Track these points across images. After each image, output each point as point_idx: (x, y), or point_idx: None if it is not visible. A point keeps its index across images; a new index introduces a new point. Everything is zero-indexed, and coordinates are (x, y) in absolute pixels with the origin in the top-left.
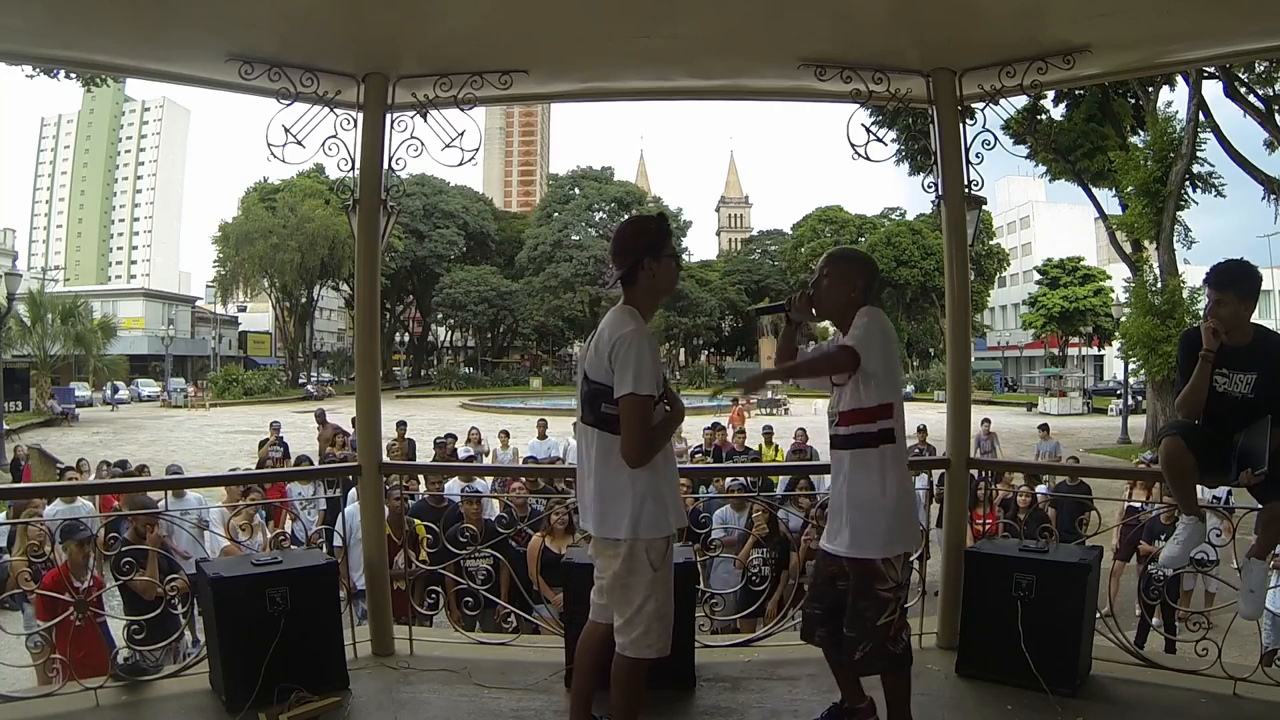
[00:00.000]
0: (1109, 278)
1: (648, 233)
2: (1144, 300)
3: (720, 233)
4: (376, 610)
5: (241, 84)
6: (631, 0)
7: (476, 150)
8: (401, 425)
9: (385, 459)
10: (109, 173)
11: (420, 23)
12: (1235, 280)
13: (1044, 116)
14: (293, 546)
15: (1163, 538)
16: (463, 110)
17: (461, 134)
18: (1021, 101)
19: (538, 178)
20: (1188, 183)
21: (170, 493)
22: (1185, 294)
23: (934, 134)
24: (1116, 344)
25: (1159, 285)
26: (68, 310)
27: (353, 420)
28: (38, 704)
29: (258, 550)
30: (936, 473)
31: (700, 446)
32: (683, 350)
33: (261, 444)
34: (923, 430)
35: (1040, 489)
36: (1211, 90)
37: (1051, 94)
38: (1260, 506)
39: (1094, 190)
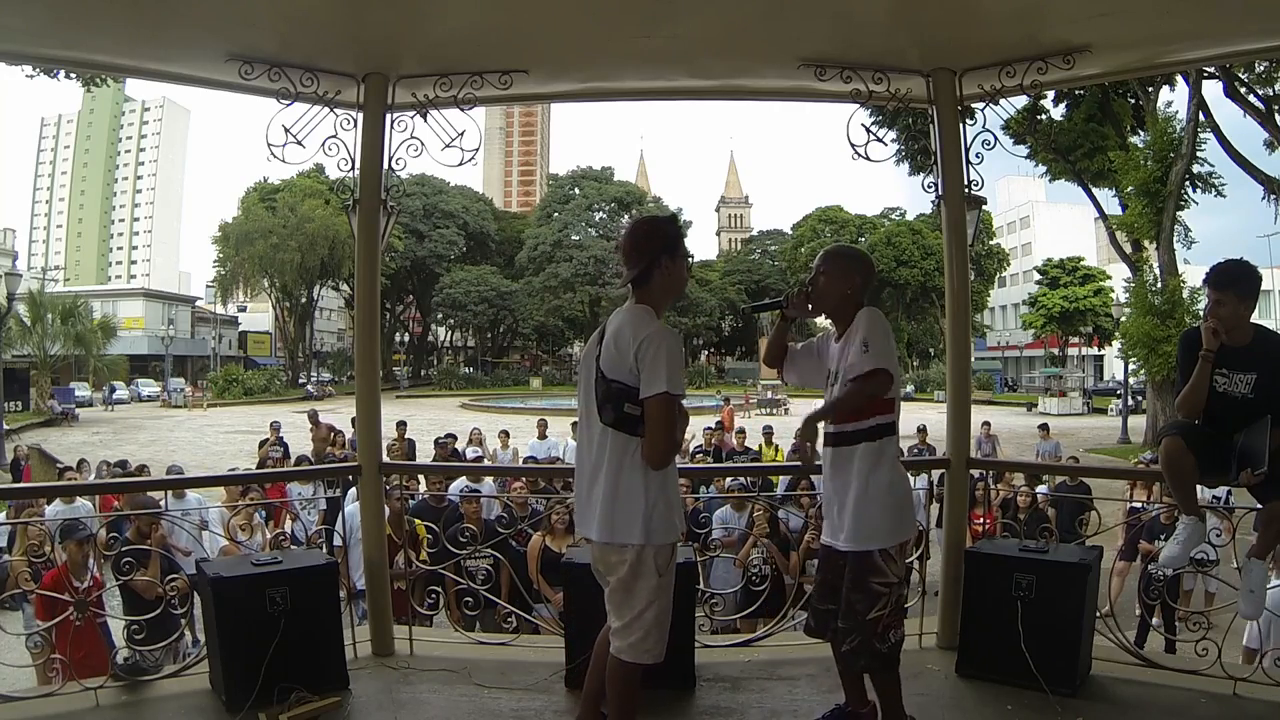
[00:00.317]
0: (1109, 278)
1: (665, 233)
2: (1144, 300)
3: (720, 233)
4: (376, 610)
5: (241, 84)
6: (631, 0)
7: (476, 150)
8: (401, 425)
9: (385, 459)
10: (109, 173)
11: (420, 23)
12: (1235, 280)
13: (1044, 116)
14: (293, 546)
15: (1162, 537)
16: (463, 110)
17: (461, 134)
18: (1021, 101)
19: (538, 178)
20: (1188, 183)
21: (170, 493)
22: (1185, 294)
23: (934, 134)
24: (1116, 344)
25: (1159, 285)
26: (68, 310)
27: (353, 420)
28: (38, 704)
29: (257, 550)
30: (936, 473)
31: (700, 446)
32: (683, 349)
33: (261, 444)
34: (923, 430)
35: (1040, 489)
36: (1211, 90)
37: (1051, 94)
38: (1260, 506)
39: (1094, 190)
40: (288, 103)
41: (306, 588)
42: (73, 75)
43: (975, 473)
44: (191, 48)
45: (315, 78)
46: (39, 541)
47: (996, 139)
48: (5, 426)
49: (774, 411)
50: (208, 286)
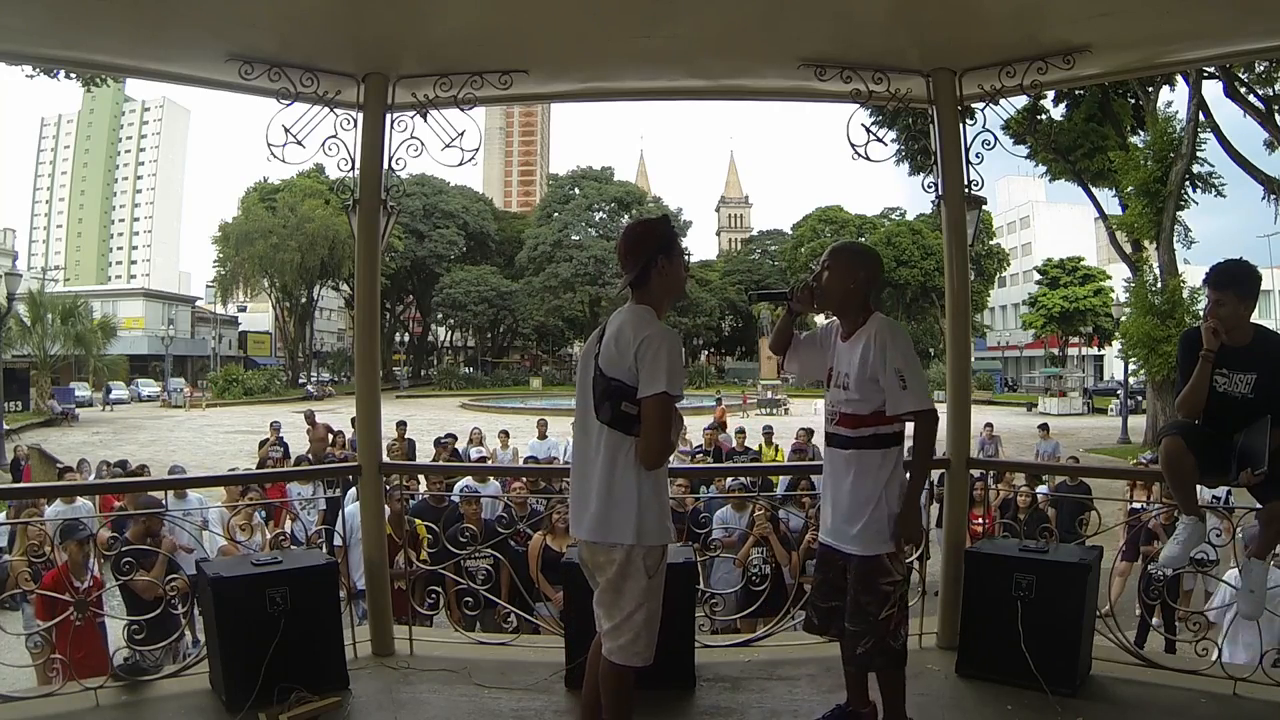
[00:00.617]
0: (1109, 278)
1: (659, 232)
2: (1144, 300)
3: (720, 233)
4: (376, 610)
5: (241, 84)
6: (631, 0)
7: (476, 150)
8: (401, 425)
9: (385, 459)
10: (109, 173)
11: (420, 23)
12: (1234, 280)
13: (1044, 116)
14: (293, 546)
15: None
16: (463, 110)
17: (461, 134)
18: (1021, 101)
19: (538, 178)
20: (1188, 183)
21: (172, 493)
22: (1185, 294)
23: (934, 134)
24: (1116, 344)
25: (1159, 285)
26: (68, 310)
27: (353, 420)
28: (38, 704)
29: (257, 550)
30: (936, 473)
31: (700, 446)
32: (682, 350)
33: (261, 444)
34: None
35: (1040, 489)
36: (1211, 90)
37: (1051, 94)
38: (1260, 506)
39: (1094, 190)
40: (288, 103)
41: (306, 588)
42: (73, 75)
43: (975, 473)
44: (192, 48)
45: (315, 78)
46: (39, 541)
47: (996, 139)
48: (5, 426)
49: (774, 411)
50: (208, 286)
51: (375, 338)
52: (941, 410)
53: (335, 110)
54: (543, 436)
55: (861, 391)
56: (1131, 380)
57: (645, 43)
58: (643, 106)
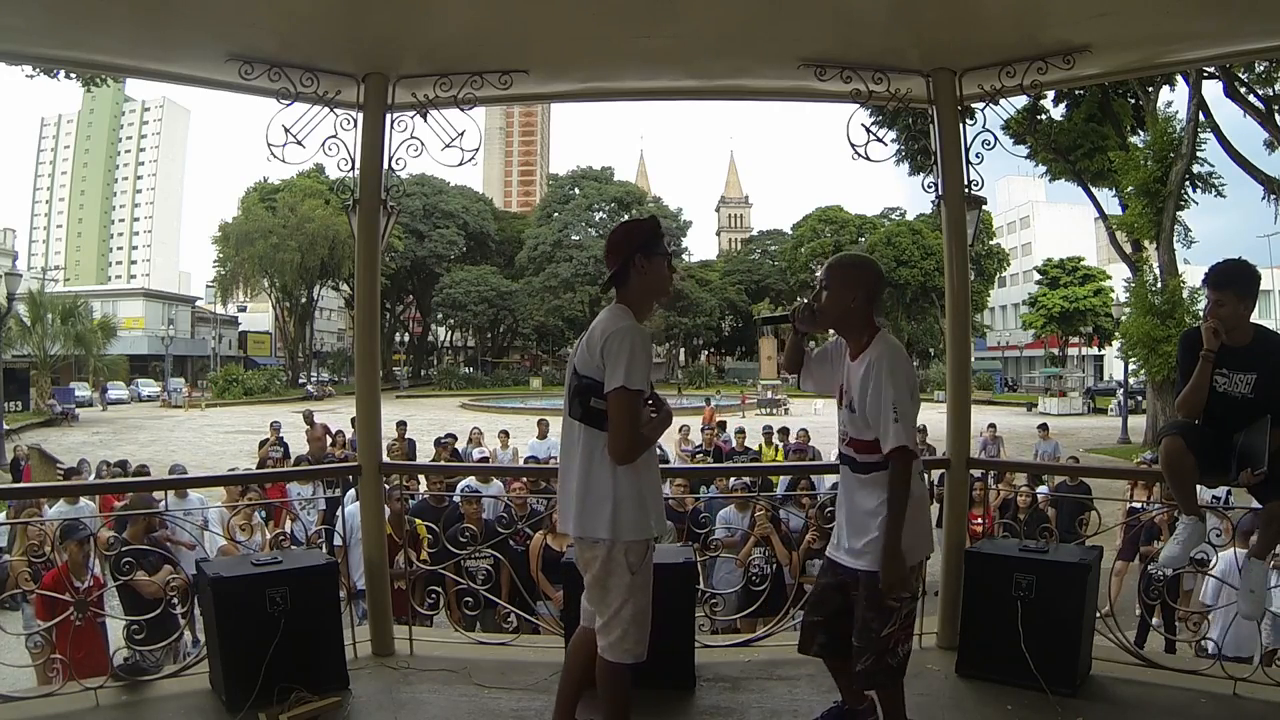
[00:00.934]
0: (1109, 278)
1: (640, 232)
2: (1144, 300)
3: (720, 233)
4: (376, 610)
5: (241, 84)
6: (631, 0)
7: (476, 150)
8: (402, 425)
9: (385, 459)
10: (109, 173)
11: (420, 23)
12: (1233, 280)
13: (1044, 116)
14: (293, 546)
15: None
16: (463, 110)
17: (461, 134)
18: (1021, 101)
19: (538, 178)
20: (1188, 183)
21: (173, 493)
22: (1185, 294)
23: (934, 134)
24: (1116, 344)
25: (1159, 285)
26: (68, 310)
27: (353, 420)
28: (38, 704)
29: (257, 550)
30: (936, 473)
31: (700, 446)
32: (683, 350)
33: (261, 444)
34: (923, 430)
35: (1040, 489)
36: (1211, 90)
37: (1051, 94)
38: (1260, 506)
39: (1094, 190)
40: (288, 103)
41: (306, 588)
42: (73, 75)
43: (975, 473)
44: (192, 48)
45: (315, 78)
46: (39, 541)
47: (996, 139)
48: (5, 426)
49: (774, 411)
50: (208, 286)
51: (375, 338)
52: (941, 410)
53: (335, 110)
54: (543, 436)
55: (866, 419)
56: (1131, 380)
57: (645, 43)
58: (643, 106)
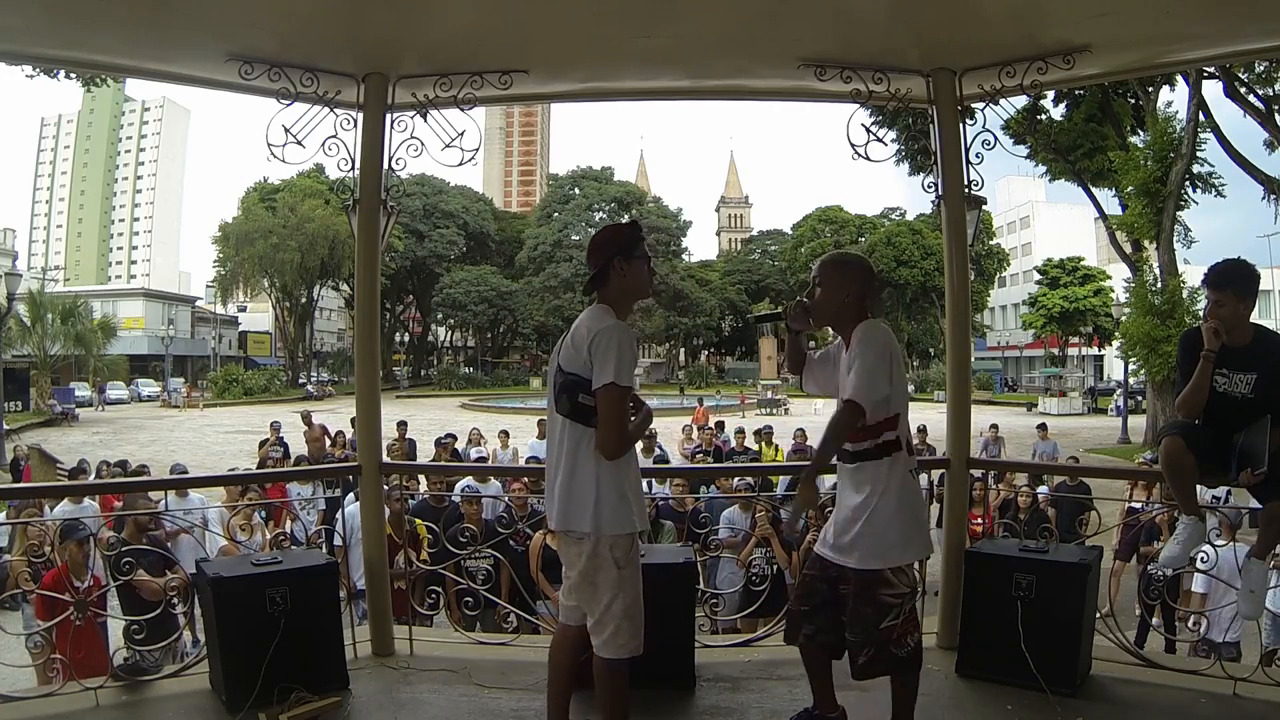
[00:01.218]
0: (1109, 278)
1: (620, 235)
2: (1144, 300)
3: (720, 233)
4: (376, 610)
5: (241, 84)
6: (631, 0)
7: (476, 150)
8: (402, 425)
9: (385, 459)
10: (109, 173)
11: (420, 23)
12: (1233, 280)
13: (1044, 116)
14: (293, 546)
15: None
16: (463, 110)
17: (461, 134)
18: (1021, 101)
19: (538, 178)
20: (1188, 183)
21: (173, 493)
22: (1185, 294)
23: (934, 134)
24: (1116, 344)
25: (1159, 285)
26: (68, 310)
27: (353, 420)
28: (38, 704)
29: (257, 550)
30: (936, 473)
31: (700, 446)
32: (683, 350)
33: (261, 444)
34: (923, 430)
35: (1040, 489)
36: (1211, 90)
37: (1051, 94)
38: (1260, 506)
39: (1094, 190)
40: (288, 103)
41: (306, 588)
42: (73, 75)
43: (975, 473)
44: (192, 48)
45: (315, 78)
46: (39, 541)
47: (996, 139)
48: (5, 426)
49: (774, 411)
50: (208, 286)
51: (375, 338)
52: (941, 410)
53: (335, 110)
54: (543, 436)
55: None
56: (1131, 380)
57: (645, 43)
58: (643, 106)
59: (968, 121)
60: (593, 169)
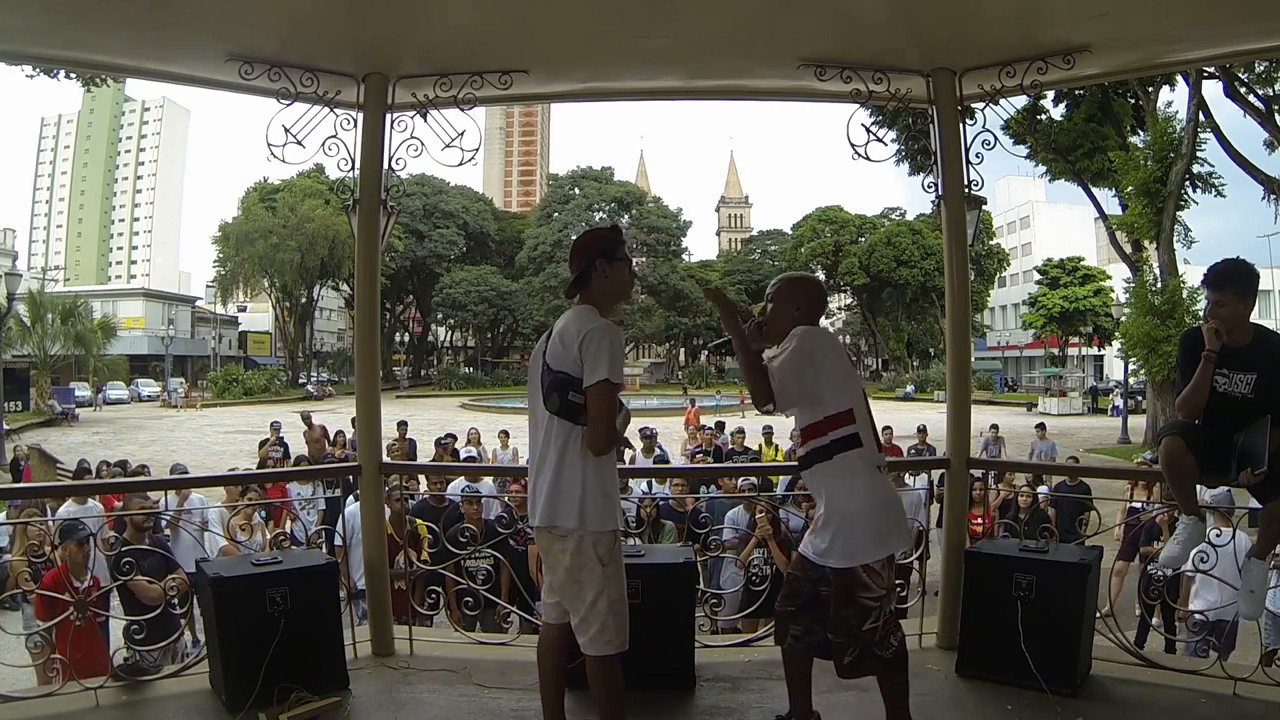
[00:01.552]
0: (1109, 278)
1: (601, 238)
2: (1144, 300)
3: (720, 233)
4: (376, 610)
5: (241, 84)
6: (631, 0)
7: (476, 150)
8: (402, 425)
9: (385, 459)
10: (109, 173)
11: (420, 23)
12: (1233, 279)
13: (1044, 116)
14: (293, 546)
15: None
16: (463, 110)
17: (461, 134)
18: (1021, 101)
19: (538, 178)
20: (1188, 183)
21: (174, 493)
22: (1185, 294)
23: (934, 134)
24: (1116, 344)
25: (1159, 285)
26: (68, 310)
27: (353, 420)
28: (38, 704)
29: (257, 550)
30: (936, 473)
31: (700, 446)
32: (683, 350)
33: (261, 444)
34: (923, 430)
35: (1040, 489)
36: (1211, 90)
37: (1051, 94)
38: (1260, 506)
39: (1094, 190)
40: (288, 103)
41: (306, 588)
42: (73, 75)
43: (975, 473)
44: (192, 48)
45: (315, 78)
46: (39, 541)
47: (996, 139)
48: (5, 426)
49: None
50: (208, 286)
51: (375, 338)
52: (941, 410)
53: (335, 110)
54: None
55: (803, 403)
56: (1131, 380)
57: (645, 43)
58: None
59: (968, 121)
60: (593, 169)
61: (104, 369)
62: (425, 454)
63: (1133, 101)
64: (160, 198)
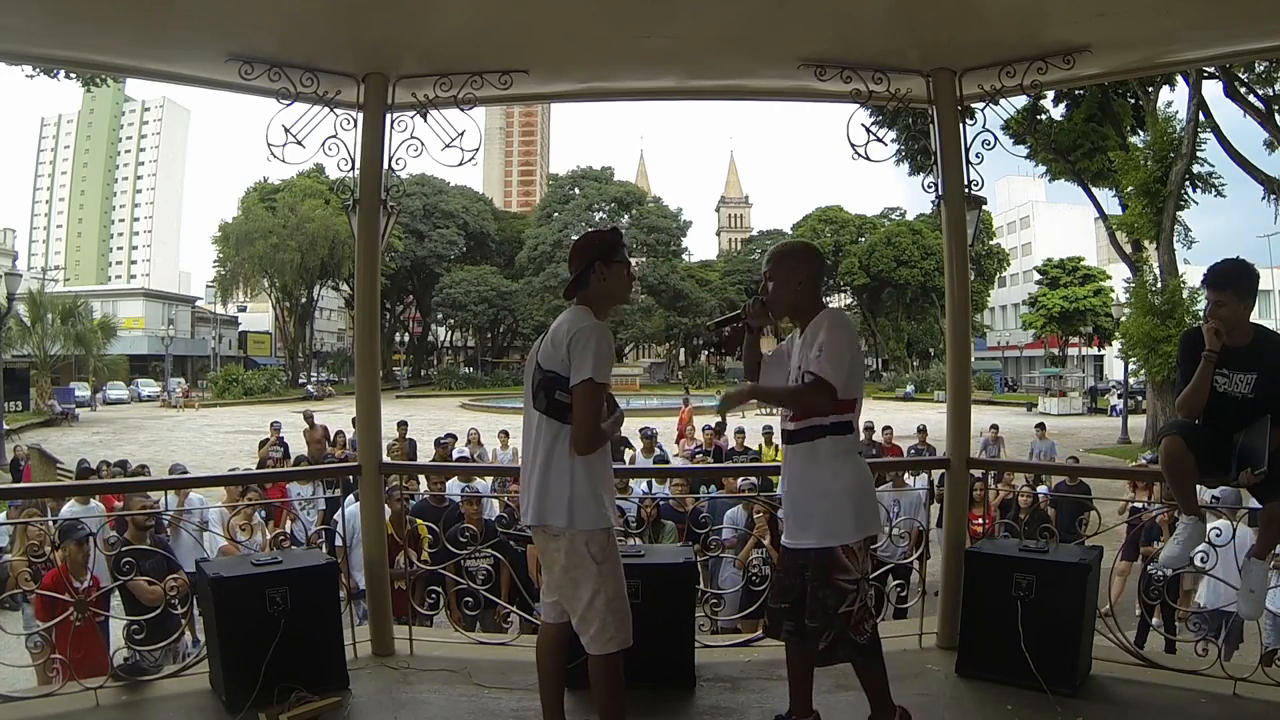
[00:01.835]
0: (1109, 278)
1: (600, 240)
2: (1144, 300)
3: (720, 233)
4: (376, 610)
5: (241, 84)
6: (631, 0)
7: (476, 150)
8: (402, 425)
9: (386, 459)
10: (109, 173)
11: (420, 23)
12: (1233, 279)
13: (1044, 116)
14: (293, 546)
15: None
16: (463, 110)
17: (461, 134)
18: (1021, 101)
19: (538, 178)
20: (1188, 183)
21: (174, 493)
22: (1185, 294)
23: (934, 134)
24: (1116, 344)
25: (1159, 285)
26: (68, 310)
27: (353, 420)
28: (38, 704)
29: (257, 550)
30: (936, 473)
31: (700, 446)
32: (683, 350)
33: (261, 444)
34: (923, 430)
35: (1040, 489)
36: (1211, 90)
37: (1051, 94)
38: (1260, 506)
39: (1094, 190)
40: (288, 103)
41: (306, 588)
42: (73, 75)
43: (975, 473)
44: (192, 48)
45: (315, 78)
46: (39, 541)
47: (996, 139)
48: (5, 426)
49: (774, 411)
50: (208, 286)
51: (375, 338)
52: (941, 410)
53: (335, 110)
54: None
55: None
56: (1131, 380)
57: (645, 43)
58: (643, 106)
59: (968, 121)
60: (593, 169)
61: (104, 369)
62: (425, 454)
63: (1133, 101)
64: (160, 198)
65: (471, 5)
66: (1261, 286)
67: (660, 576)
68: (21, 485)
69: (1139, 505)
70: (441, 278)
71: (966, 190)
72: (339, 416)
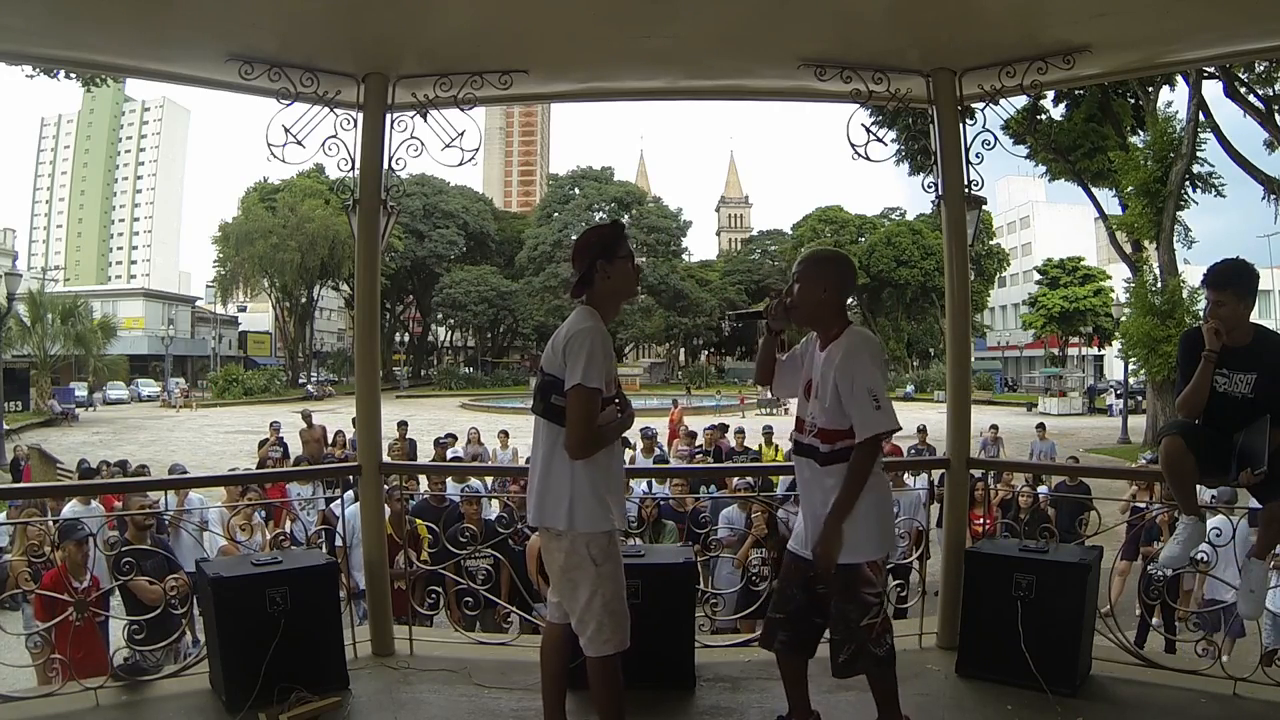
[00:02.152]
0: (1109, 278)
1: (602, 237)
2: (1144, 300)
3: (720, 233)
4: (376, 610)
5: (241, 84)
6: (631, 0)
7: (476, 150)
8: (402, 425)
9: (386, 459)
10: (109, 173)
11: (420, 23)
12: (1233, 279)
13: (1044, 116)
14: (293, 546)
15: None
16: (463, 110)
17: (461, 134)
18: (1021, 101)
19: (538, 178)
20: (1188, 183)
21: (174, 493)
22: (1185, 294)
23: (934, 134)
24: (1116, 344)
25: (1159, 285)
26: (68, 310)
27: (353, 420)
28: (38, 704)
29: (257, 550)
30: (937, 473)
31: (701, 447)
32: (683, 350)
33: (261, 444)
34: (923, 430)
35: (1040, 489)
36: (1211, 90)
37: (1051, 94)
38: (1260, 506)
39: (1094, 190)
40: (288, 103)
41: (306, 588)
42: (73, 75)
43: (975, 473)
44: (192, 48)
45: (315, 78)
46: (39, 541)
47: (996, 139)
48: (5, 426)
49: (774, 411)
50: (208, 286)
51: (375, 338)
52: (941, 410)
53: (335, 110)
54: None
55: (835, 406)
56: (1131, 380)
57: (645, 43)
58: (643, 106)
59: (968, 121)
60: (593, 169)
61: (104, 369)
62: (425, 454)
63: (1133, 101)
64: (160, 198)
65: (471, 5)
66: (1261, 286)
67: (660, 576)
68: (21, 485)
69: (1140, 505)
70: (441, 278)
71: (966, 190)
72: (339, 416)
